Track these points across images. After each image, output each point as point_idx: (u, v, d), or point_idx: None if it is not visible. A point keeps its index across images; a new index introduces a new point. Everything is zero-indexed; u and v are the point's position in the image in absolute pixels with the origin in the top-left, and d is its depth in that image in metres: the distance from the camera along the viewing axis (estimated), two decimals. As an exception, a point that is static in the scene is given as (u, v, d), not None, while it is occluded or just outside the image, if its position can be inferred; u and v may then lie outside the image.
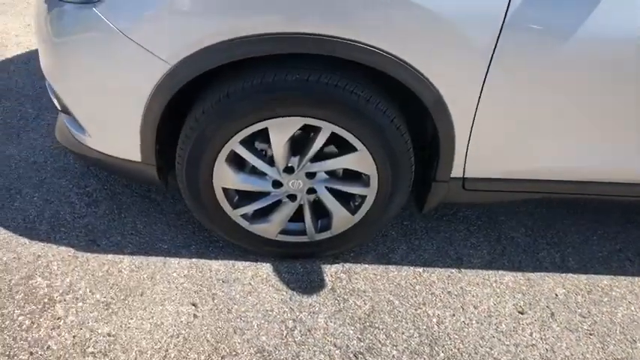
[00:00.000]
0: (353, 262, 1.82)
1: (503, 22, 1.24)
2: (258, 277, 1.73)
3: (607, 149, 1.49)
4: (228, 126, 1.41)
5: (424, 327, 1.63)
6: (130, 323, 1.54)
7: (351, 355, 1.52)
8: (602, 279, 1.85)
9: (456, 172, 1.57)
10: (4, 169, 2.02)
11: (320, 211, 1.68)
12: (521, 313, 1.71)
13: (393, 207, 1.63)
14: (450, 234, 1.99)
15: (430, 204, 1.68)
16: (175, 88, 1.33)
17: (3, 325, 1.49)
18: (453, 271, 1.84)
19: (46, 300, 1.58)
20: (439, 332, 1.62)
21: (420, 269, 1.83)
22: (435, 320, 1.66)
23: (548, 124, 1.44)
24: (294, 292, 1.69)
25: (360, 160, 1.50)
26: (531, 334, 1.65)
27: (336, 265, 1.80)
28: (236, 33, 1.24)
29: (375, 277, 1.78)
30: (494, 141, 1.48)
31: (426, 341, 1.59)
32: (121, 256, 1.74)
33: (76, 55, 1.39)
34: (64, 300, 1.59)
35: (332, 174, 1.60)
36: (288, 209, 1.64)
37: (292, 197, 1.62)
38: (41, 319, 1.52)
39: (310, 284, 1.73)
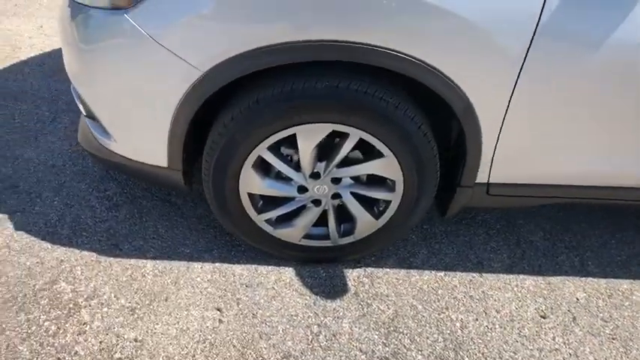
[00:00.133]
0: (375, 266, 1.83)
1: (535, 30, 1.25)
2: (281, 281, 1.73)
3: (635, 155, 1.50)
4: (257, 132, 1.41)
5: (448, 332, 1.64)
6: (155, 329, 1.54)
7: (378, 361, 1.53)
8: (622, 283, 1.86)
9: (481, 177, 1.57)
10: (24, 172, 2.02)
11: (343, 216, 1.68)
12: (544, 318, 1.72)
13: (417, 212, 1.63)
14: (470, 238, 1.99)
15: (453, 209, 1.69)
16: (207, 94, 1.33)
17: (30, 331, 1.49)
18: (474, 275, 1.84)
19: (71, 305, 1.58)
20: (463, 337, 1.63)
21: (442, 273, 1.83)
22: (458, 325, 1.66)
23: (575, 130, 1.44)
24: (318, 297, 1.70)
25: (387, 165, 1.50)
26: (554, 339, 1.65)
27: (358, 269, 1.81)
28: (269, 40, 1.24)
29: (398, 281, 1.78)
30: (521, 147, 1.48)
31: (450, 346, 1.60)
32: (144, 261, 1.74)
33: (105, 61, 1.39)
34: (89, 305, 1.59)
35: (356, 179, 1.61)
36: (312, 214, 1.64)
37: (317, 202, 1.63)
38: (67, 325, 1.52)
39: (333, 289, 1.73)
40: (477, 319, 1.69)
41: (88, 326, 1.53)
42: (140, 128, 1.48)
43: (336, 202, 1.64)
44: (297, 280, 1.75)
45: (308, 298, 1.69)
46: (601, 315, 1.74)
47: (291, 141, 1.47)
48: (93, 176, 2.04)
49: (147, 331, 1.53)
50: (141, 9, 1.27)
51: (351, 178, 1.59)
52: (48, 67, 2.65)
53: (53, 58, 2.73)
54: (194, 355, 1.48)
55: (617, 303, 1.78)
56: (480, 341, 1.62)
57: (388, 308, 1.69)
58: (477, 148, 1.47)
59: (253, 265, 1.78)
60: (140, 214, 1.91)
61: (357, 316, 1.65)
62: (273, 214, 1.64)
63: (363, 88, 1.35)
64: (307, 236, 1.71)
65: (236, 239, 1.83)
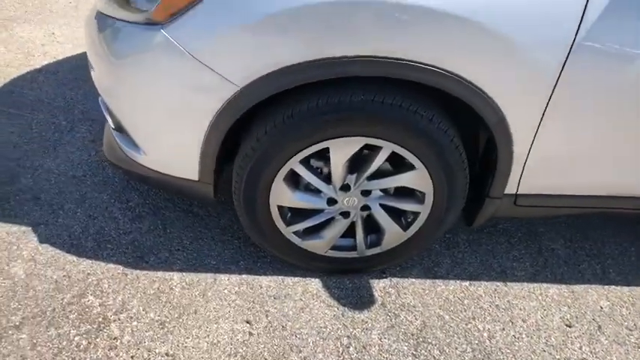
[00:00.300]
0: (400, 276, 1.83)
1: (573, 43, 1.25)
2: (308, 292, 1.74)
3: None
4: (290, 146, 1.41)
5: (476, 342, 1.65)
6: (186, 342, 1.54)
7: (410, 372, 1.53)
8: (644, 291, 1.87)
9: (510, 188, 1.58)
10: (44, 184, 2.01)
11: (370, 227, 1.69)
12: (569, 327, 1.73)
13: (446, 223, 1.64)
14: (492, 246, 2.00)
15: (480, 219, 1.69)
16: (243, 110, 1.33)
17: (61, 346, 1.49)
18: (499, 284, 1.85)
19: (100, 319, 1.57)
20: (491, 347, 1.64)
21: (467, 283, 1.84)
22: (485, 335, 1.67)
23: (609, 142, 1.46)
24: (346, 308, 1.70)
25: (418, 178, 1.51)
26: (581, 348, 1.66)
27: (384, 279, 1.81)
28: (308, 56, 1.24)
29: (424, 291, 1.79)
30: (552, 159, 1.49)
31: (479, 356, 1.60)
32: (171, 273, 1.74)
33: (139, 76, 1.38)
34: (119, 319, 1.58)
35: (385, 191, 1.61)
36: (340, 226, 1.65)
37: (345, 214, 1.63)
38: (97, 340, 1.52)
39: (360, 300, 1.73)
40: (503, 329, 1.70)
41: (119, 341, 1.52)
42: (172, 142, 1.47)
43: (365, 213, 1.64)
44: (323, 291, 1.75)
45: (336, 309, 1.69)
46: (626, 323, 1.75)
47: (321, 153, 1.47)
48: (114, 187, 2.04)
49: (178, 345, 1.53)
50: (178, 24, 1.27)
51: (381, 190, 1.59)
52: (62, 75, 2.64)
53: (66, 66, 2.72)
54: (227, 369, 1.48)
55: (641, 311, 1.79)
56: (508, 351, 1.63)
57: (416, 319, 1.69)
58: (508, 160, 1.48)
59: (280, 277, 1.77)
60: (164, 225, 1.91)
61: (385, 327, 1.66)
62: (301, 226, 1.64)
63: (397, 102, 1.36)
64: (334, 247, 1.71)
65: (261, 250, 1.83)
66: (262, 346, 1.56)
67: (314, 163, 1.55)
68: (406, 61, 1.27)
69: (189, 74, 1.31)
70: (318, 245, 1.69)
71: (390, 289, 1.78)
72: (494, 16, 1.25)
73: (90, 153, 2.18)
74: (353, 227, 1.67)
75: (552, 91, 1.32)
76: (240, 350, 1.54)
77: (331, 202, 1.58)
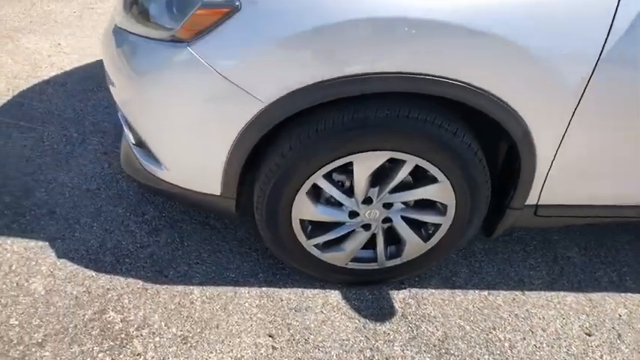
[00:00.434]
0: (419, 286, 1.83)
1: (599, 57, 1.26)
2: (328, 304, 1.73)
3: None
4: (315, 161, 1.41)
5: (498, 352, 1.65)
6: (210, 357, 1.54)
7: (435, 385, 1.53)
8: (661, 298, 1.88)
9: (531, 199, 1.58)
10: (59, 197, 1.99)
11: (391, 239, 1.69)
12: (589, 335, 1.74)
13: (467, 234, 1.65)
14: (508, 255, 2.01)
15: (500, 230, 1.70)
16: (269, 126, 1.33)
17: (84, 363, 1.48)
18: (517, 293, 1.86)
19: (122, 335, 1.57)
20: (513, 357, 1.64)
21: (485, 292, 1.85)
22: (507, 345, 1.68)
23: (630, 153, 1.47)
24: (367, 320, 1.70)
25: (441, 190, 1.51)
26: (602, 357, 1.67)
27: (403, 290, 1.81)
28: (333, 74, 1.25)
29: (443, 302, 1.79)
30: (574, 170, 1.50)
31: (501, 367, 1.61)
32: (191, 287, 1.73)
33: (163, 93, 1.38)
34: (141, 335, 1.57)
35: (406, 203, 1.61)
36: (361, 238, 1.65)
37: (366, 226, 1.63)
38: (121, 356, 1.51)
39: (381, 311, 1.73)
40: (524, 338, 1.70)
41: (142, 357, 1.52)
42: (195, 158, 1.47)
43: (386, 225, 1.64)
44: (344, 303, 1.75)
45: (357, 321, 1.69)
46: (644, 331, 1.76)
47: (343, 166, 1.47)
48: (129, 200, 2.03)
49: (202, 361, 1.52)
50: (204, 42, 1.27)
51: (402, 202, 1.59)
52: (70, 86, 2.63)
53: (74, 77, 2.71)
54: (252, 384, 1.48)
55: (659, 318, 1.80)
56: (530, 361, 1.63)
57: (437, 330, 1.69)
58: (531, 172, 1.48)
59: (299, 289, 1.77)
60: (181, 238, 1.90)
61: (407, 338, 1.66)
62: (322, 239, 1.64)
63: (422, 116, 1.36)
64: (354, 259, 1.71)
65: (279, 262, 1.83)
66: (286, 359, 1.55)
67: (336, 176, 1.55)
68: (432, 76, 1.27)
69: (216, 91, 1.31)
70: (338, 257, 1.69)
71: (410, 300, 1.78)
72: (519, 29, 1.25)
73: (103, 166, 2.17)
74: (372, 239, 1.68)
75: (578, 103, 1.33)
76: (265, 365, 1.53)
77: (353, 214, 1.58)
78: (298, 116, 1.36)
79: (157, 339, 1.57)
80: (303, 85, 1.26)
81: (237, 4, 1.22)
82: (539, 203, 1.60)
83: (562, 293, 1.88)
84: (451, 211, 1.57)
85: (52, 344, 1.51)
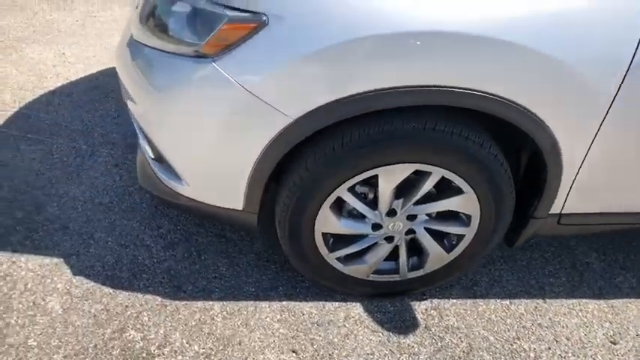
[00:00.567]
0: (440, 297, 1.81)
1: (629, 68, 1.25)
2: (350, 318, 1.71)
3: None
4: (340, 174, 1.39)
5: (523, 363, 1.63)
6: (234, 375, 1.51)
7: (463, 399, 1.51)
8: (683, 304, 1.87)
9: (555, 208, 1.57)
10: (72, 212, 1.96)
11: (413, 250, 1.67)
12: (614, 344, 1.72)
13: (490, 245, 1.63)
14: (527, 262, 1.99)
15: (522, 239, 1.69)
16: (295, 141, 1.31)
17: (107, 385, 1.45)
18: (539, 301, 1.84)
19: (144, 355, 1.54)
20: (539, 368, 1.63)
21: (507, 301, 1.83)
22: (532, 355, 1.66)
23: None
24: (390, 333, 1.68)
25: (466, 201, 1.50)
26: (628, 365, 1.66)
27: (425, 301, 1.79)
28: (360, 89, 1.23)
29: (465, 312, 1.77)
30: (600, 180, 1.48)
31: (528, 378, 1.59)
32: (210, 303, 1.70)
33: (186, 108, 1.35)
34: (163, 354, 1.55)
35: (429, 214, 1.59)
36: (384, 250, 1.63)
37: (389, 239, 1.61)
38: (143, 376, 1.48)
39: (404, 323, 1.71)
40: (549, 348, 1.69)
41: (165, 376, 1.49)
42: (218, 174, 1.44)
43: (409, 237, 1.62)
44: (366, 316, 1.73)
45: (381, 334, 1.67)
46: (669, 338, 1.75)
47: (366, 179, 1.45)
48: (143, 213, 2.00)
49: (226, 379, 1.50)
50: (230, 57, 1.24)
51: (426, 213, 1.57)
52: (77, 97, 2.59)
53: (80, 87, 2.67)
54: (279, 403, 1.45)
55: (682, 325, 1.79)
56: (557, 371, 1.62)
57: (461, 341, 1.68)
58: (556, 182, 1.47)
59: (320, 302, 1.75)
60: (198, 252, 1.87)
61: (432, 351, 1.64)
62: (344, 251, 1.62)
63: (448, 129, 1.34)
64: (376, 271, 1.69)
65: (299, 275, 1.81)
66: (311, 376, 1.53)
67: (359, 188, 1.52)
68: (462, 89, 1.25)
69: (241, 106, 1.28)
70: (360, 270, 1.67)
71: (432, 311, 1.76)
72: (547, 40, 1.24)
73: (114, 178, 2.14)
74: (394, 250, 1.66)
75: (606, 113, 1.32)
76: (290, 382, 1.51)
77: (376, 227, 1.56)
78: (324, 129, 1.34)
79: (180, 357, 1.54)
80: (331, 100, 1.24)
81: (264, 19, 1.20)
82: (562, 212, 1.59)
83: (583, 300, 1.87)
84: (475, 222, 1.55)
85: (73, 365, 1.48)
